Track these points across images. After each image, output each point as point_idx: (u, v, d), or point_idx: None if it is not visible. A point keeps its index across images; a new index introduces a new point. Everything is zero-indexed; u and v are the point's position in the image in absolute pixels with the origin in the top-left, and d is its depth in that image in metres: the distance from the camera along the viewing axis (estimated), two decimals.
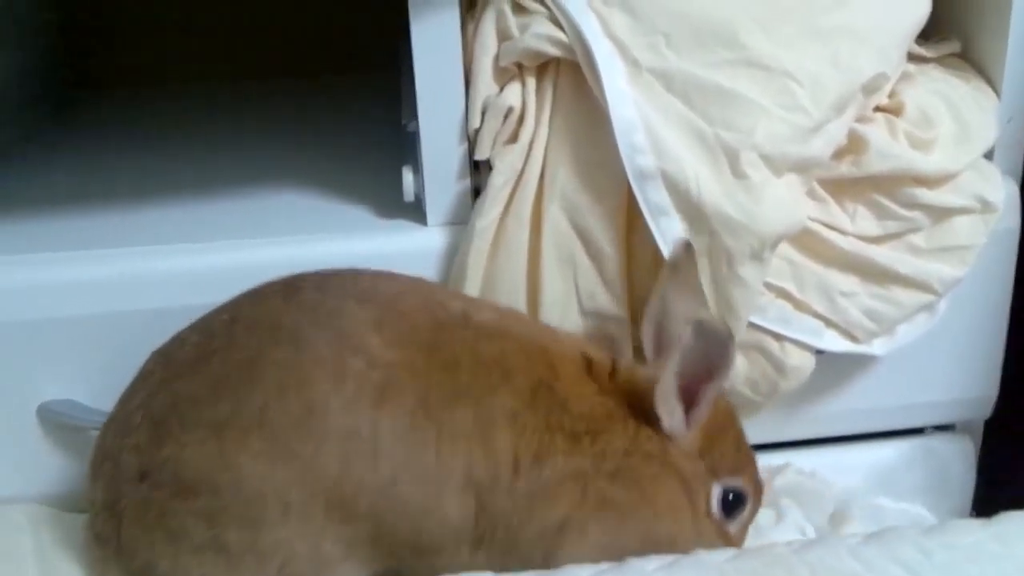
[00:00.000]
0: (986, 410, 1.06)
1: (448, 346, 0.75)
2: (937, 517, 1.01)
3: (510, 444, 0.73)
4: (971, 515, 1.07)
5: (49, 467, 0.96)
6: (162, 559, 0.75)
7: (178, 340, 0.81)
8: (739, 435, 0.81)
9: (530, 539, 0.74)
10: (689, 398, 0.76)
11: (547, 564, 0.73)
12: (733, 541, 0.79)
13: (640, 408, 0.77)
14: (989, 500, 1.08)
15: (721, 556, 0.70)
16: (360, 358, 0.74)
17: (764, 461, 1.02)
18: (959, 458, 1.06)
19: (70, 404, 0.94)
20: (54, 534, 0.91)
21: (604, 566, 0.70)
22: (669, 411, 0.75)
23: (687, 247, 0.82)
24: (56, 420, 0.94)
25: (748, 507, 0.80)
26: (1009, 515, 0.73)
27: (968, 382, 1.04)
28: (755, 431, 0.98)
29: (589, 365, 0.78)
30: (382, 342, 0.74)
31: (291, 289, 0.80)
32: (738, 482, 0.78)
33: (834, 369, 0.99)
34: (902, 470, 1.05)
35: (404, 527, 0.73)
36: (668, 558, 0.70)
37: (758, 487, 0.81)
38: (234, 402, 0.73)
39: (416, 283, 0.83)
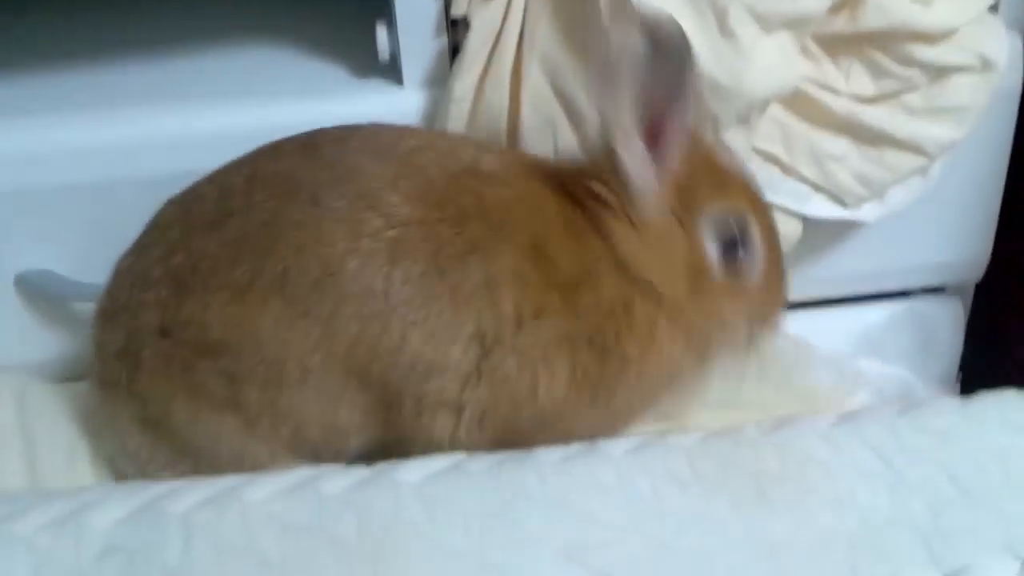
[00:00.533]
0: (978, 273, 1.04)
1: (457, 199, 0.74)
2: (923, 381, 1.01)
3: (513, 301, 0.72)
4: (957, 378, 1.07)
5: (27, 337, 0.95)
6: (181, 411, 0.77)
7: (196, 194, 0.80)
8: (726, 164, 0.75)
9: (530, 418, 0.74)
10: (654, 141, 0.71)
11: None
12: (757, 289, 0.75)
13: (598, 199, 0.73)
14: (976, 363, 1.08)
15: (690, 439, 0.70)
16: (377, 215, 0.73)
17: None
18: (948, 321, 1.05)
19: (48, 275, 0.93)
20: (37, 404, 0.92)
21: (573, 449, 0.70)
22: (626, 148, 0.70)
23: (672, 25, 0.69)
24: (34, 291, 0.93)
25: (757, 244, 0.74)
26: (981, 396, 0.72)
27: (961, 244, 1.02)
28: None
29: (579, 194, 0.75)
30: (399, 199, 0.73)
31: (310, 146, 0.78)
32: (730, 209, 0.73)
33: (822, 231, 0.96)
34: (889, 333, 1.05)
35: (409, 386, 0.74)
36: (637, 440, 0.70)
37: (765, 221, 0.75)
38: (254, 264, 0.73)
39: (433, 135, 0.81)
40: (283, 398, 0.74)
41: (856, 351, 1.02)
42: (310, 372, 0.74)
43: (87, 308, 0.93)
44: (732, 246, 0.74)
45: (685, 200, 0.73)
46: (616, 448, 0.69)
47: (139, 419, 0.79)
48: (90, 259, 0.92)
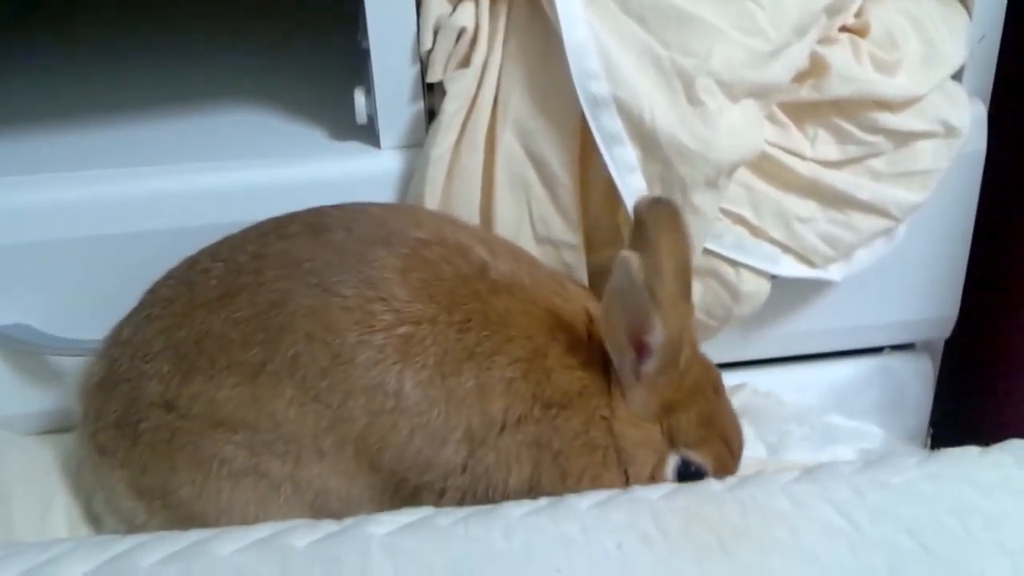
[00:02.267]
0: (946, 330, 1.06)
1: (464, 303, 0.77)
2: (893, 436, 1.02)
3: (502, 409, 0.76)
4: (928, 433, 1.08)
5: (4, 391, 0.96)
6: (185, 485, 0.78)
7: (199, 269, 0.81)
8: (711, 409, 0.79)
9: (500, 499, 0.77)
10: (642, 350, 0.75)
11: None
12: None
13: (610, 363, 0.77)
14: (946, 419, 1.09)
15: (655, 493, 0.70)
16: (388, 310, 0.75)
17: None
18: (917, 377, 1.07)
19: (25, 329, 0.94)
20: (12, 457, 0.92)
21: (541, 503, 0.71)
22: (618, 353, 0.75)
23: (659, 204, 0.75)
24: (11, 344, 0.94)
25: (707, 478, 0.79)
26: (943, 453, 0.73)
27: (929, 302, 1.03)
28: (712, 351, 0.98)
29: (589, 322, 0.79)
30: (408, 294, 0.76)
31: (318, 227, 0.80)
32: (698, 457, 0.78)
33: (793, 290, 0.98)
34: (859, 389, 1.06)
35: (412, 475, 0.77)
36: (603, 495, 0.71)
37: (724, 468, 0.79)
38: (266, 347, 0.76)
39: (442, 226, 0.82)
40: (303, 471, 0.76)
41: (826, 407, 1.04)
42: (324, 453, 0.76)
43: (64, 362, 0.94)
44: (687, 478, 0.78)
45: (668, 426, 0.78)
46: (582, 501, 0.70)
47: (136, 486, 0.80)
48: (68, 314, 0.94)
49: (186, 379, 0.77)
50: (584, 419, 0.77)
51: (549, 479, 0.77)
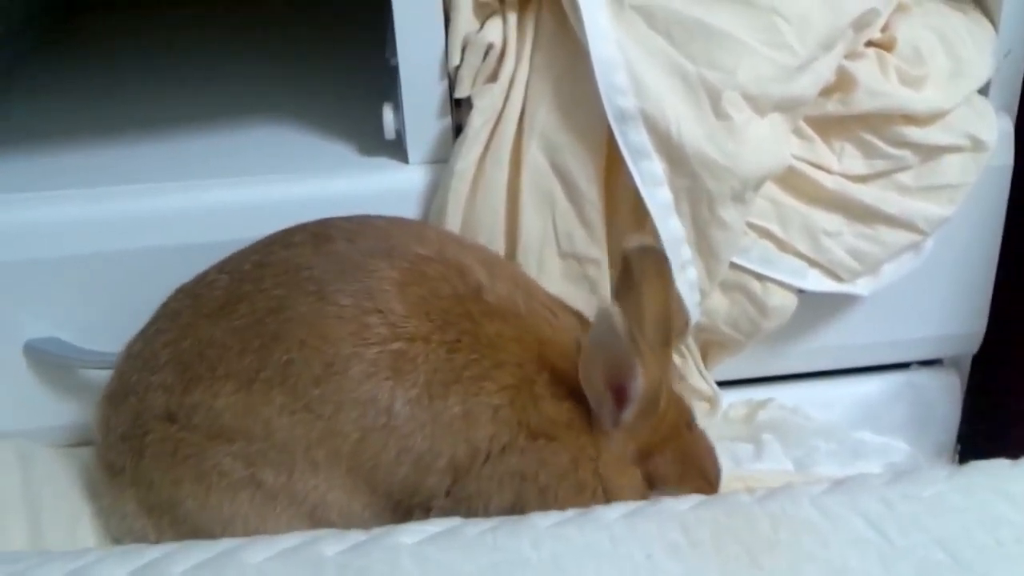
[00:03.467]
0: (974, 345, 1.06)
1: (457, 323, 0.76)
2: (921, 452, 1.02)
3: (488, 437, 0.76)
4: (955, 449, 1.08)
5: (35, 403, 0.97)
6: (188, 497, 0.78)
7: (206, 281, 0.82)
8: (686, 446, 0.79)
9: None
10: (621, 396, 0.74)
11: None
12: None
13: None
14: (973, 435, 1.08)
15: (684, 505, 0.70)
16: (383, 323, 0.75)
17: (747, 395, 1.04)
18: (945, 393, 1.06)
19: (56, 342, 0.95)
20: (42, 469, 0.93)
21: (569, 514, 0.71)
22: (597, 401, 0.75)
23: (641, 251, 0.77)
24: (42, 358, 0.95)
25: None
26: (973, 466, 0.73)
27: (956, 318, 1.03)
28: (739, 366, 1.00)
29: (579, 355, 0.77)
30: (404, 309, 0.76)
31: (322, 237, 0.80)
32: (677, 494, 0.76)
33: (820, 305, 0.98)
34: (887, 405, 1.06)
35: (403, 498, 0.77)
36: (631, 506, 0.71)
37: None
38: (260, 354, 0.75)
39: (444, 244, 0.82)
40: (298, 482, 0.76)
41: (853, 422, 1.03)
42: (318, 465, 0.76)
43: (93, 375, 0.95)
44: None
45: (647, 467, 0.78)
46: (611, 513, 0.70)
47: (145, 503, 0.80)
48: (97, 328, 0.95)
49: (188, 389, 0.77)
50: (572, 456, 0.76)
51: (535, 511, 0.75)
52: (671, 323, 0.78)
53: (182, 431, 0.78)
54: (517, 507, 0.76)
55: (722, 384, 1.01)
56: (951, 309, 1.02)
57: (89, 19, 1.33)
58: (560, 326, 0.81)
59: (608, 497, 0.77)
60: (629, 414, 0.74)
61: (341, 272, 0.77)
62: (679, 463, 0.78)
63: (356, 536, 0.70)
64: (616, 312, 0.70)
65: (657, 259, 0.77)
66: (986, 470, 0.72)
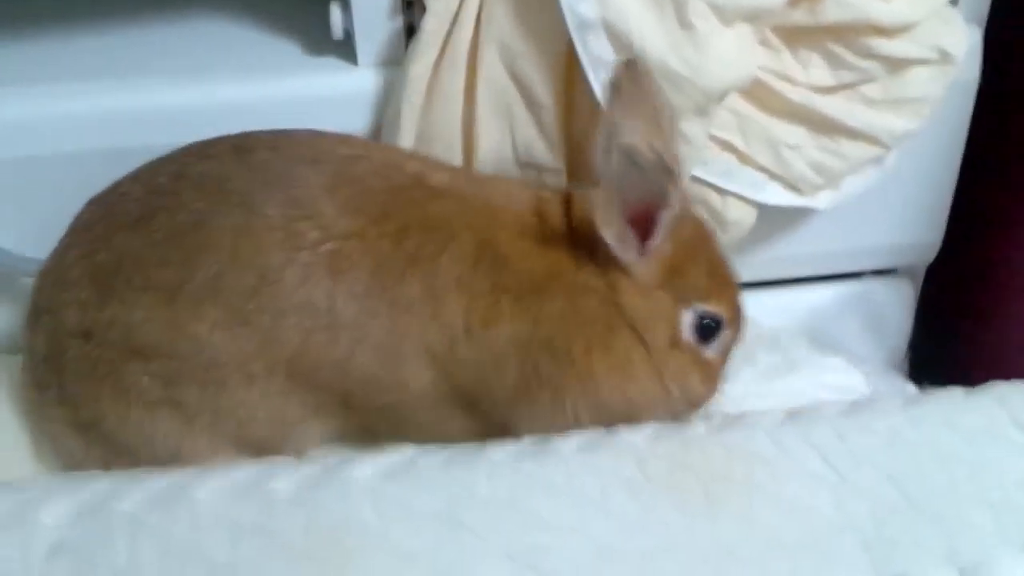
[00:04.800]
0: (930, 256, 1.05)
1: (398, 212, 0.74)
2: (873, 359, 1.03)
3: (460, 310, 0.73)
4: (906, 357, 1.09)
5: None
6: (109, 414, 0.76)
7: (118, 192, 0.78)
8: (713, 259, 0.77)
9: (486, 408, 0.75)
10: (643, 225, 0.72)
11: (505, 432, 0.74)
12: (712, 366, 0.78)
13: (597, 241, 0.73)
14: (925, 343, 1.09)
15: (639, 436, 0.70)
16: (314, 227, 0.72)
17: None
18: (898, 302, 1.07)
19: None
20: None
21: (524, 445, 0.70)
22: (618, 238, 0.72)
23: (630, 64, 0.74)
24: None
25: (727, 331, 0.77)
26: (927, 397, 0.73)
27: (914, 228, 1.02)
28: None
29: (542, 211, 0.75)
30: (335, 210, 0.73)
31: (242, 148, 0.76)
32: (712, 306, 0.76)
33: (776, 215, 0.96)
34: (840, 313, 1.06)
35: (368, 395, 0.74)
36: (587, 436, 0.71)
37: (737, 312, 0.78)
38: (184, 267, 0.72)
39: (373, 146, 0.79)
40: (225, 399, 0.74)
41: (806, 331, 1.03)
42: (254, 377, 0.73)
43: (29, 283, 0.92)
44: (705, 335, 0.76)
45: (676, 286, 0.75)
46: (567, 445, 0.70)
47: (71, 422, 0.78)
48: (34, 233, 0.90)
49: (103, 304, 0.74)
50: (566, 296, 0.74)
51: (548, 369, 0.73)
52: (673, 129, 0.75)
53: (98, 348, 0.74)
54: (525, 377, 0.73)
55: None
56: (909, 219, 1.01)
57: None
58: (508, 190, 0.78)
59: (634, 328, 0.74)
60: (657, 238, 0.72)
61: (265, 183, 0.73)
62: (710, 277, 0.77)
63: (308, 469, 0.69)
64: (643, 144, 0.67)
65: (647, 72, 0.74)
66: (940, 402, 0.73)
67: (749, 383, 0.94)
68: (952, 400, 0.73)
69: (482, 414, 0.76)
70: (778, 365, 0.96)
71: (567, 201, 0.77)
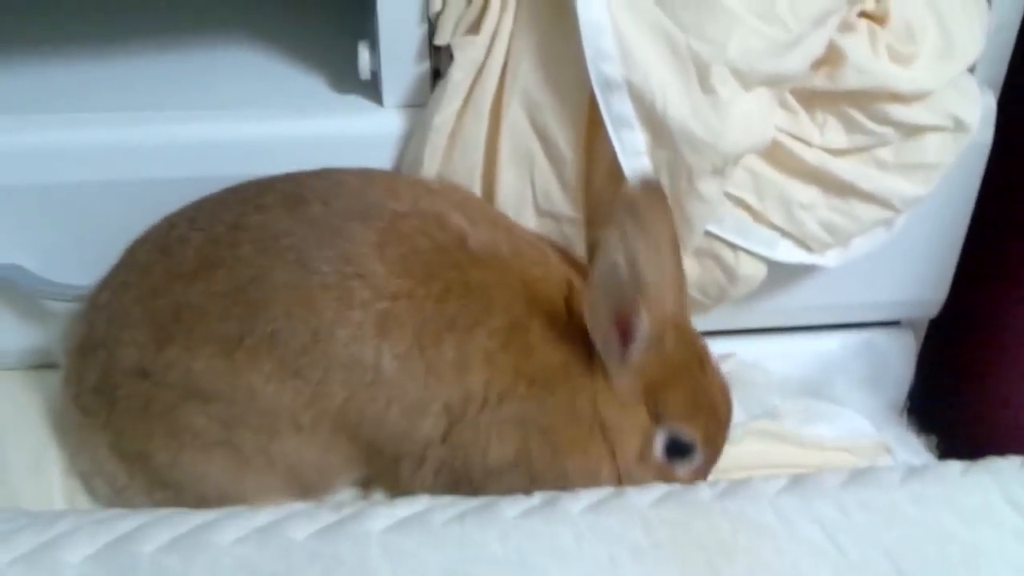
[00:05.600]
0: (934, 310, 1.07)
1: (442, 274, 0.77)
2: (874, 408, 1.05)
3: (482, 383, 0.77)
4: (905, 405, 1.11)
5: None
6: (160, 451, 0.79)
7: (175, 235, 0.81)
8: (700, 382, 0.80)
9: (479, 472, 0.78)
10: (626, 333, 0.75)
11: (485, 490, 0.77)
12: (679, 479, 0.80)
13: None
14: (924, 392, 1.12)
15: (645, 499, 0.72)
16: (365, 286, 0.76)
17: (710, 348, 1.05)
18: (900, 352, 1.09)
19: (16, 270, 0.92)
20: (3, 395, 0.93)
21: (535, 501, 0.72)
22: (603, 342, 0.75)
23: (647, 185, 0.78)
24: (2, 285, 0.93)
25: (699, 454, 0.80)
26: (926, 470, 0.75)
27: (919, 284, 1.05)
28: (702, 320, 1.00)
29: (570, 300, 0.78)
30: (385, 269, 0.76)
31: (296, 200, 0.79)
32: (687, 429, 0.78)
33: (786, 268, 0.98)
34: (844, 361, 1.08)
35: (389, 446, 0.79)
36: (595, 496, 0.73)
37: (712, 440, 0.80)
38: (244, 322, 0.76)
39: (418, 196, 0.81)
40: (277, 445, 0.77)
41: (812, 377, 1.06)
42: (302, 427, 0.77)
43: (55, 305, 0.94)
44: (676, 455, 0.79)
45: (655, 404, 0.78)
46: (575, 505, 0.72)
47: (116, 448, 0.81)
48: (60, 259, 0.93)
49: (162, 348, 0.77)
50: (569, 392, 0.78)
51: (540, 455, 0.78)
52: (679, 255, 0.78)
53: (155, 387, 0.78)
54: (522, 454, 0.78)
55: None
56: (915, 276, 1.03)
57: None
58: (549, 266, 0.82)
59: (606, 436, 0.78)
60: (636, 350, 0.76)
61: (319, 238, 0.77)
62: (689, 401, 0.79)
63: (326, 516, 0.71)
64: (618, 245, 0.70)
65: (659, 193, 0.78)
66: (938, 477, 0.75)
67: (767, 429, 0.98)
68: (950, 476, 0.75)
69: (457, 472, 0.79)
70: (794, 412, 0.99)
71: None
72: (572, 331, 0.78)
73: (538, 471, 0.78)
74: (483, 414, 0.77)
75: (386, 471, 0.80)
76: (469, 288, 0.77)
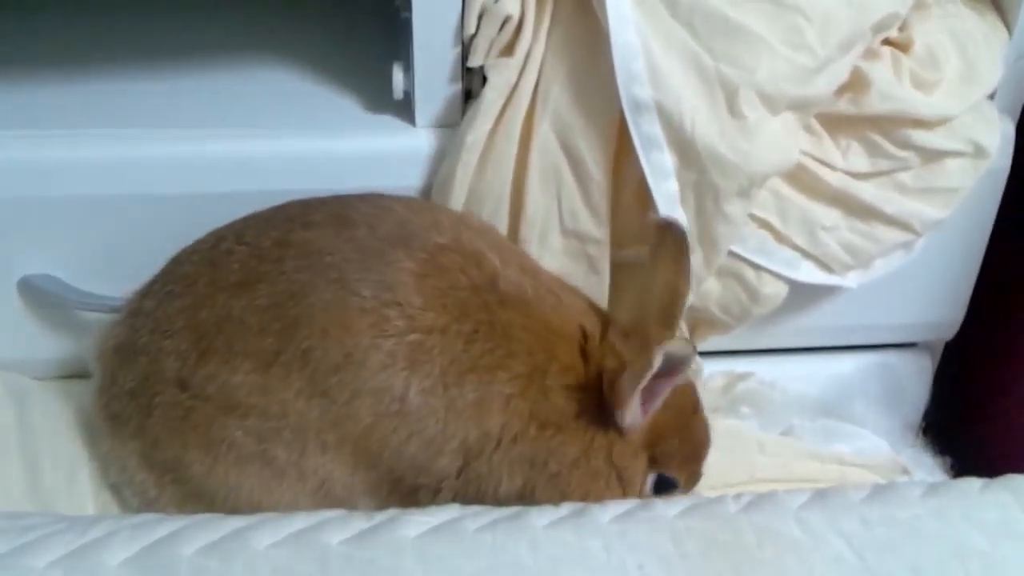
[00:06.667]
0: (950, 332, 1.09)
1: (473, 313, 0.78)
2: (890, 429, 1.06)
3: (499, 425, 0.78)
4: (921, 426, 1.12)
5: (26, 336, 0.97)
6: (195, 463, 0.80)
7: (221, 249, 0.82)
8: (690, 431, 0.83)
9: (490, 503, 0.79)
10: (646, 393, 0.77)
11: None
12: None
13: (604, 391, 0.79)
14: (939, 414, 1.13)
15: (673, 510, 0.74)
16: (401, 315, 0.77)
17: (729, 367, 1.07)
18: (917, 374, 1.10)
19: (52, 280, 0.94)
20: (37, 406, 0.95)
21: (564, 511, 0.74)
22: (629, 415, 0.78)
23: (673, 231, 0.79)
24: (36, 295, 0.95)
25: (679, 489, 0.83)
26: (946, 486, 0.77)
27: (936, 307, 1.06)
28: (724, 339, 1.02)
29: (586, 349, 0.80)
30: (423, 301, 0.77)
31: (343, 220, 0.81)
32: (674, 472, 0.82)
33: (806, 288, 1.00)
34: (861, 382, 1.09)
35: (408, 476, 0.80)
36: (622, 507, 0.74)
37: (693, 478, 0.84)
38: (281, 338, 0.77)
39: (460, 231, 0.83)
40: (308, 460, 0.79)
41: (829, 397, 1.07)
42: (327, 446, 0.78)
43: (89, 315, 0.95)
44: (659, 491, 0.83)
45: (654, 449, 0.81)
46: (604, 515, 0.73)
47: (148, 459, 0.82)
48: (96, 270, 0.95)
49: (203, 359, 0.79)
50: (583, 446, 0.80)
51: (545, 496, 0.80)
52: (680, 305, 0.80)
53: (193, 399, 0.79)
54: (526, 491, 0.80)
55: (703, 355, 1.04)
56: (932, 299, 1.05)
57: None
58: (564, 312, 0.83)
59: (622, 481, 0.81)
60: (653, 409, 0.79)
61: (362, 261, 0.78)
62: (683, 449, 0.83)
63: (360, 523, 0.72)
64: (661, 355, 0.72)
65: (678, 238, 0.79)
66: (959, 493, 0.76)
67: (786, 445, 0.99)
68: (970, 492, 0.76)
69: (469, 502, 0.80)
70: (813, 431, 1.01)
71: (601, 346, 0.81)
72: (586, 379, 0.80)
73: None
74: (497, 453, 0.79)
75: (404, 500, 0.81)
76: (495, 331, 0.78)
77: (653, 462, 0.82)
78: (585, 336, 0.81)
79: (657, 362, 0.72)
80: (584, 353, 0.80)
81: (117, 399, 0.83)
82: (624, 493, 0.81)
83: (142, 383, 0.81)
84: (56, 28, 1.08)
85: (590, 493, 0.79)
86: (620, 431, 0.79)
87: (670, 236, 0.79)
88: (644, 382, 0.74)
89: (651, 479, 0.82)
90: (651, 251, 0.80)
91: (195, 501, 0.81)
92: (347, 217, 0.81)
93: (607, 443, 0.80)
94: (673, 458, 0.82)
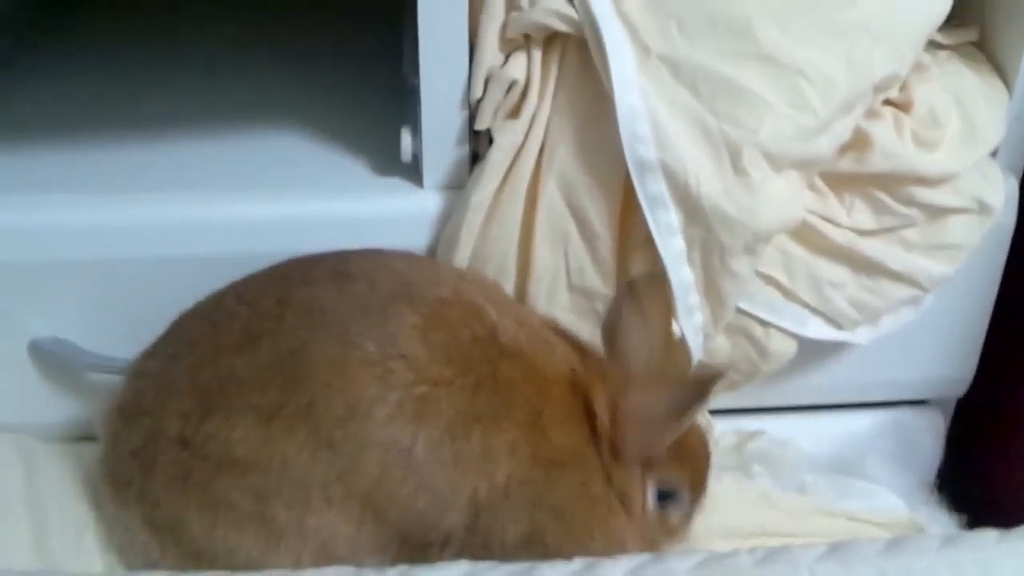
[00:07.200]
0: (961, 389, 1.09)
1: (477, 366, 0.79)
2: (904, 486, 1.05)
3: (507, 474, 0.78)
4: (935, 484, 1.11)
5: (36, 399, 0.98)
6: (195, 522, 0.80)
7: (223, 310, 0.83)
8: (683, 441, 0.82)
9: (498, 553, 0.79)
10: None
11: None
12: (675, 530, 0.84)
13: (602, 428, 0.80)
14: (953, 471, 1.12)
15: (685, 565, 0.73)
16: (407, 367, 0.77)
17: (739, 426, 1.07)
18: (929, 431, 1.10)
19: (62, 343, 0.95)
20: (44, 468, 0.94)
21: (576, 566, 0.73)
22: (636, 451, 0.79)
23: (649, 281, 0.83)
24: (46, 357, 0.95)
25: (684, 496, 0.83)
26: (962, 537, 0.76)
27: (947, 363, 1.06)
28: (733, 397, 1.02)
29: (576, 387, 0.80)
30: (428, 354, 0.77)
31: (343, 276, 0.81)
32: (670, 476, 0.82)
33: (815, 345, 1.00)
34: (873, 439, 1.09)
35: (416, 532, 0.79)
36: (635, 563, 0.73)
37: (697, 480, 0.84)
38: (283, 392, 0.77)
39: (459, 284, 0.84)
40: (309, 519, 0.78)
41: (841, 455, 1.07)
42: (332, 501, 0.77)
43: (96, 376, 0.96)
44: (666, 498, 0.83)
45: (647, 462, 0.81)
46: (616, 569, 0.72)
47: (150, 520, 0.81)
48: (104, 332, 0.95)
49: (204, 418, 0.78)
50: (582, 476, 0.80)
51: (554, 535, 0.79)
52: (666, 352, 0.82)
53: (194, 458, 0.79)
54: (533, 533, 0.79)
55: (712, 412, 1.04)
56: (943, 355, 1.05)
57: (92, 13, 1.29)
58: (555, 354, 0.84)
59: (624, 505, 0.81)
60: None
61: (364, 315, 0.78)
62: (672, 452, 0.82)
63: None
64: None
65: (663, 291, 0.82)
66: (974, 545, 0.75)
67: (802, 502, 0.99)
68: (986, 543, 0.75)
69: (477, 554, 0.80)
70: (826, 487, 1.00)
71: (590, 386, 0.82)
72: (576, 413, 0.80)
73: (553, 551, 0.79)
74: (505, 502, 0.79)
75: (412, 556, 0.80)
76: (498, 383, 0.79)
77: (647, 468, 0.81)
78: (575, 374, 0.82)
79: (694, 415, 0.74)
80: (573, 388, 0.80)
81: (120, 460, 0.83)
82: (627, 514, 0.80)
83: (145, 443, 0.81)
84: (67, 91, 1.10)
85: (596, 524, 0.79)
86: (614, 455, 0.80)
87: (657, 289, 0.83)
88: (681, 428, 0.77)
89: (652, 493, 0.81)
90: (633, 305, 0.82)
91: (194, 561, 0.80)
92: (347, 273, 0.81)
93: (601, 465, 0.80)
94: (665, 464, 0.82)
